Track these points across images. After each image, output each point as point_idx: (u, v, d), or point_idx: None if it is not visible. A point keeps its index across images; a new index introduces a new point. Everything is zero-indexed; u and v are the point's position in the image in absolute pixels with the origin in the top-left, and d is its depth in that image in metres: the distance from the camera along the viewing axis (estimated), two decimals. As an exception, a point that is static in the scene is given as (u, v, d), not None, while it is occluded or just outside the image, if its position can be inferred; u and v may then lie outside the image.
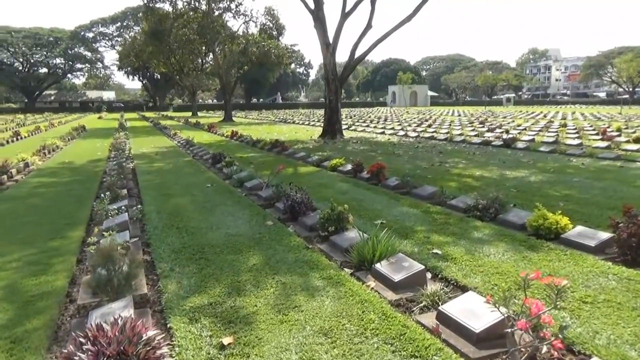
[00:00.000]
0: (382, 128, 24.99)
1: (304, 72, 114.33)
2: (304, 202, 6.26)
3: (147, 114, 59.50)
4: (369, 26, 19.32)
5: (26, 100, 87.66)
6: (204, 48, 42.74)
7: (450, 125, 26.17)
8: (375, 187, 8.41)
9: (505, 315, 2.98)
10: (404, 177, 8.30)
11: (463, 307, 3.33)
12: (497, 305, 2.99)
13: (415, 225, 5.82)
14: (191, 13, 37.50)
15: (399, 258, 4.31)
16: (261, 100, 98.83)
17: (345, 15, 18.59)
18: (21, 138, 22.07)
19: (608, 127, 21.04)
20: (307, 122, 32.96)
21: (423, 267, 4.10)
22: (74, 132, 23.91)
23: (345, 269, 4.47)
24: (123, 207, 6.55)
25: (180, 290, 3.94)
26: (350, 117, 38.48)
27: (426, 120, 30.65)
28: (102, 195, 6.61)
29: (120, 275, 3.69)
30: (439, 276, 4.25)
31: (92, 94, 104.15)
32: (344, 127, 26.57)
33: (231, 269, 4.44)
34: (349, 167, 10.08)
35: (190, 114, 54.61)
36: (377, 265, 4.27)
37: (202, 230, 5.79)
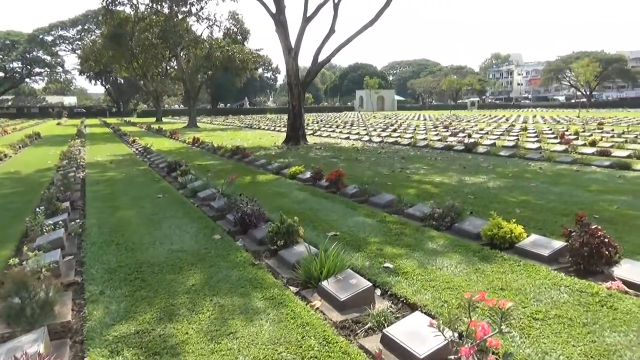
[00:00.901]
0: (347, 133, 24.91)
1: (272, 77, 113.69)
2: (254, 214, 5.97)
3: (109, 120, 57.88)
4: (332, 31, 19.21)
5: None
6: (167, 52, 41.72)
7: (415, 130, 26.32)
8: (333, 196, 8.19)
9: (449, 339, 2.79)
10: (362, 184, 8.12)
11: (409, 330, 3.12)
12: (441, 328, 2.79)
13: (370, 237, 5.61)
14: (153, 17, 36.60)
15: (347, 274, 4.08)
16: (229, 105, 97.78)
17: (306, 20, 18.40)
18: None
19: (566, 131, 21.56)
20: (273, 128, 32.61)
21: (370, 284, 3.88)
22: (26, 140, 22.88)
23: (290, 287, 4.21)
24: (61, 222, 6.10)
25: (107, 317, 3.59)
26: (317, 122, 38.34)
27: (391, 125, 30.76)
28: (37, 209, 6.15)
29: (34, 304, 3.32)
30: (389, 293, 4.03)
31: (53, 99, 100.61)
32: (310, 132, 26.41)
33: (167, 290, 4.11)
34: (308, 174, 9.83)
35: (154, 119, 53.40)
36: (324, 283, 4.03)
37: (143, 246, 5.43)
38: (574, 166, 11.29)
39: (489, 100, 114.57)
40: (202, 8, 36.32)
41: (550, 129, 23.77)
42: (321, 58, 19.39)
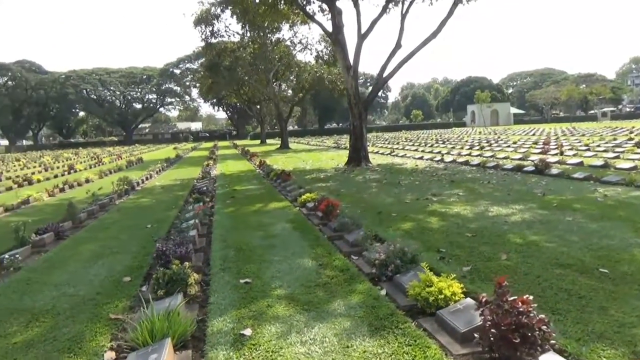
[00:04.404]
0: (427, 152, 23.35)
1: (382, 95, 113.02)
2: (165, 255, 5.41)
3: (221, 143, 61.94)
4: (398, 46, 18.16)
5: (124, 133, 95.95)
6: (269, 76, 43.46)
7: (507, 146, 23.80)
8: (315, 229, 7.32)
9: None
10: (343, 218, 7.13)
11: None
12: None
13: (280, 288, 4.71)
14: (252, 44, 38.30)
15: (159, 345, 3.31)
16: (341, 124, 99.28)
17: (362, 37, 17.59)
18: (75, 171, 23.49)
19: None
20: (359, 148, 31.91)
21: (163, 364, 3.07)
22: (124, 165, 25.09)
23: (110, 353, 3.55)
24: (7, 257, 6.15)
25: None
26: (406, 140, 36.76)
27: (486, 142, 28.20)
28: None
29: None
30: (202, 375, 3.18)
31: (182, 125, 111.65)
32: (388, 151, 25.30)
33: (-17, 348, 3.70)
34: (313, 203, 9.04)
35: (259, 141, 56.02)
36: (131, 355, 3.31)
37: (47, 287, 5.16)
38: (655, 193, 8.92)
39: (628, 110, 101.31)
40: (295, 33, 37.26)
41: (675, 143, 19.71)
42: (387, 73, 18.38)
